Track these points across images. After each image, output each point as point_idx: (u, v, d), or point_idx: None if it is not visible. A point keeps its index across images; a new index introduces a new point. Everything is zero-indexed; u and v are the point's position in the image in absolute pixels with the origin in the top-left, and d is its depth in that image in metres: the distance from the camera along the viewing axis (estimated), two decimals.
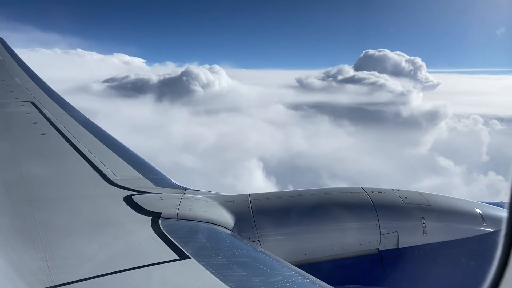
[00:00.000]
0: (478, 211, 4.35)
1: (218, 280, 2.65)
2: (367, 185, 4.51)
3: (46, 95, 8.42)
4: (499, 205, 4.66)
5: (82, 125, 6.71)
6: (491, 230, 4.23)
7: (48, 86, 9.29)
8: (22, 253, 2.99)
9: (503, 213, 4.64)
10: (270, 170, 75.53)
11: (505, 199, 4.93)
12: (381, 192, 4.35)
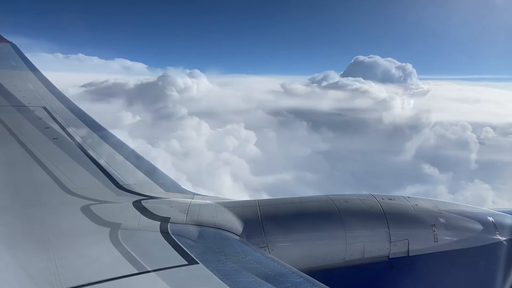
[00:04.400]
0: (490, 219, 4.51)
1: (226, 286, 2.75)
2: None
3: (58, 101, 8.78)
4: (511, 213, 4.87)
5: (93, 130, 6.98)
6: (504, 239, 4.40)
7: (60, 92, 9.63)
8: (32, 256, 3.06)
9: None
10: (238, 176, 76.35)
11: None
12: (391, 199, 4.49)
